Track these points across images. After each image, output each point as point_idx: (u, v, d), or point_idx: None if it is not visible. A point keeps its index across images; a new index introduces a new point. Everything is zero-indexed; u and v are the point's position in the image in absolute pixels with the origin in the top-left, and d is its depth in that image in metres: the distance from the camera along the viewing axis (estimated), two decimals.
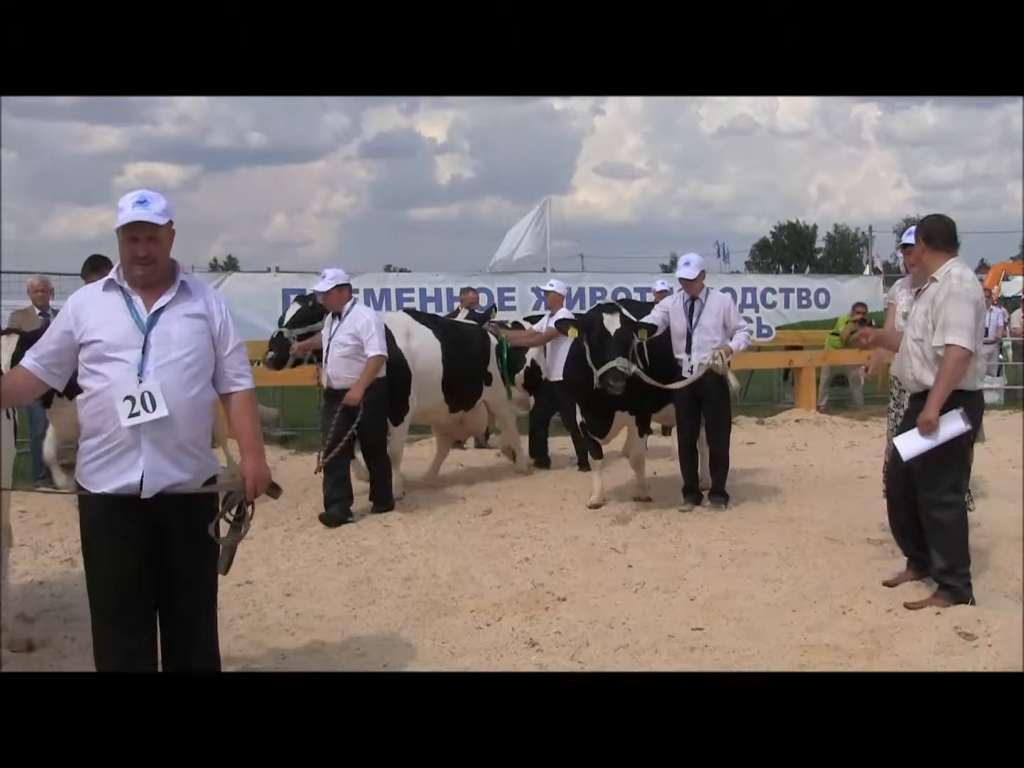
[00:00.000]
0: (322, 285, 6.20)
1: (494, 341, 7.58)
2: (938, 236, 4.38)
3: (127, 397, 2.78)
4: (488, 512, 6.36)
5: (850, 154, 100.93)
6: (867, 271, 15.49)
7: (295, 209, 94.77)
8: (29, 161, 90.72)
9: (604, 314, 5.94)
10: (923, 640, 3.92)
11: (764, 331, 12.38)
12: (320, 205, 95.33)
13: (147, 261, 2.84)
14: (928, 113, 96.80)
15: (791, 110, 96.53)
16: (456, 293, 10.88)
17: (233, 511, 2.91)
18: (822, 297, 13.07)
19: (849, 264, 44.68)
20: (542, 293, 11.94)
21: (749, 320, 12.00)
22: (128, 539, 2.81)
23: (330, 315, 6.25)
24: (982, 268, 17.17)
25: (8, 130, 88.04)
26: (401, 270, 16.88)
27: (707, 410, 6.27)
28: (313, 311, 6.64)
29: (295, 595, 4.70)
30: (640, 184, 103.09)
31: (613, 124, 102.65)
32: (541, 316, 8.57)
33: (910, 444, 4.28)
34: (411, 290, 11.52)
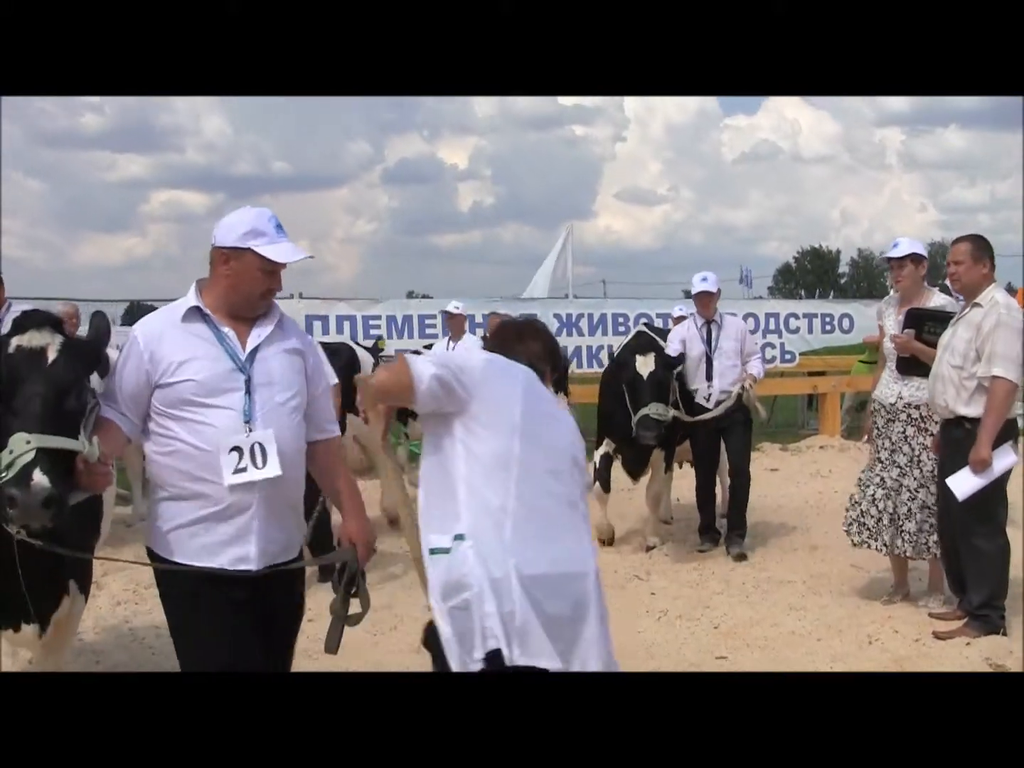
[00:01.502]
0: None
1: (369, 361, 6.70)
2: (991, 258, 4.26)
3: (233, 449, 2.31)
4: None
5: (873, 178, 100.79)
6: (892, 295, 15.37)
7: (319, 235, 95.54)
8: (58, 190, 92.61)
9: (637, 355, 5.63)
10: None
11: (787, 356, 12.31)
12: (343, 231, 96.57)
13: (273, 295, 2.46)
14: (952, 136, 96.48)
15: (813, 135, 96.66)
16: (478, 319, 10.93)
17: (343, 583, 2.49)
18: (846, 322, 12.97)
19: (873, 289, 44.42)
20: (564, 319, 12.10)
21: (772, 346, 11.94)
22: (238, 624, 2.36)
23: None
24: (1008, 292, 16.99)
25: (38, 160, 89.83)
26: (423, 296, 17.00)
27: (732, 444, 6.02)
28: None
29: (316, 620, 4.67)
30: (662, 210, 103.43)
31: (634, 150, 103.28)
32: (431, 344, 8.00)
33: (964, 484, 4.11)
34: (433, 316, 11.58)
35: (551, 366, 2.46)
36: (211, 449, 2.32)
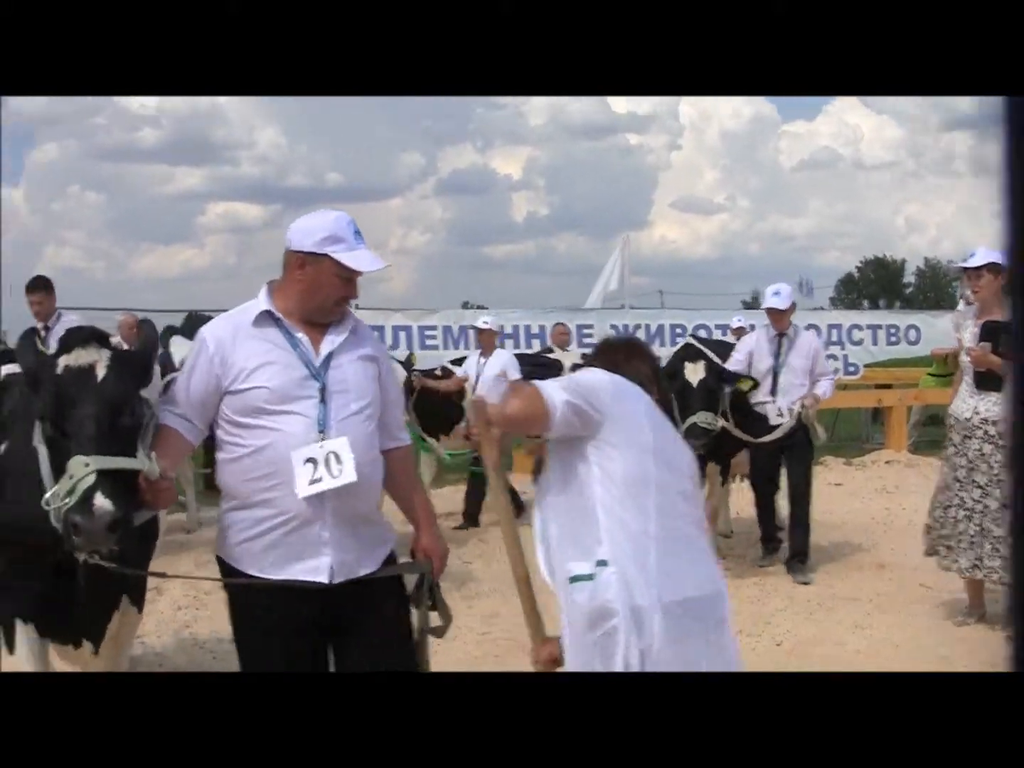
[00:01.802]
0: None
1: (401, 374, 6.48)
2: None
3: (308, 460, 2.22)
4: None
5: (940, 184, 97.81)
6: (961, 306, 14.91)
7: (373, 246, 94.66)
8: (116, 202, 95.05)
9: (687, 363, 5.49)
10: None
11: (851, 369, 12.01)
12: (397, 243, 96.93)
13: (347, 302, 2.38)
14: None
15: (875, 141, 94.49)
16: (534, 330, 10.92)
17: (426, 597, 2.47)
18: (912, 334, 12.59)
19: (941, 299, 43.13)
20: (620, 330, 12.01)
21: (835, 358, 11.63)
22: (309, 644, 2.32)
23: None
24: None
25: (96, 173, 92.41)
26: (478, 307, 17.07)
27: (793, 465, 5.79)
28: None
29: None
30: (719, 219, 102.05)
31: (690, 158, 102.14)
32: (463, 358, 7.74)
33: None
34: None
35: (656, 387, 2.42)
36: (282, 457, 2.23)
